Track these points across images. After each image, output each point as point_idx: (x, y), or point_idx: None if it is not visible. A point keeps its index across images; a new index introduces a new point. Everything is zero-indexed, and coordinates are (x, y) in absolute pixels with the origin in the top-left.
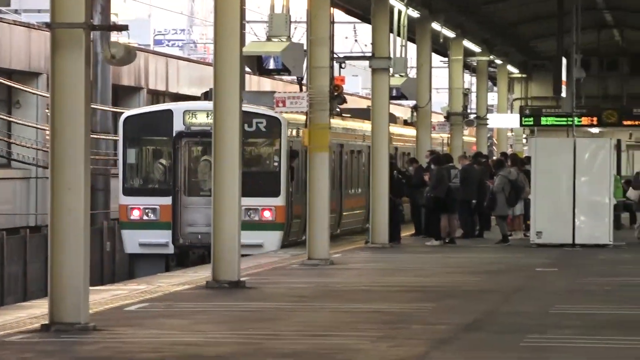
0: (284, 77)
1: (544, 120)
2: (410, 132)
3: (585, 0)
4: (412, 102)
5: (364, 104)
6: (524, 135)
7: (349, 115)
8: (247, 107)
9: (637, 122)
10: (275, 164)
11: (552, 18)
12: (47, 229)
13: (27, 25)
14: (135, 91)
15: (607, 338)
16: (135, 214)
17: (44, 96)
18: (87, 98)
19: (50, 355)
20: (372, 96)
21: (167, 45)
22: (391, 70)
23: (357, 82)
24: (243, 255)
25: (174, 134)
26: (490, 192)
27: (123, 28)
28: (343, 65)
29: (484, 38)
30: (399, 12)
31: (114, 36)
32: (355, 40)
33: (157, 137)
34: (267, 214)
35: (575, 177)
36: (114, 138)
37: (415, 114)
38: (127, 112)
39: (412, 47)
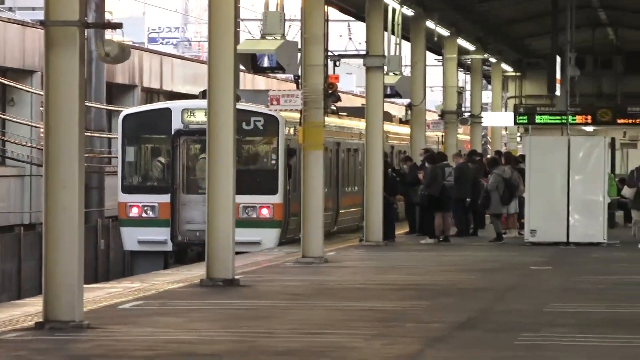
0: (278, 75)
1: (538, 119)
2: (406, 130)
3: None
4: (406, 101)
5: (358, 102)
6: (518, 134)
7: (345, 113)
8: (246, 106)
9: (631, 121)
10: (273, 162)
11: (546, 16)
12: (41, 227)
13: (22, 23)
14: (129, 89)
15: (601, 336)
16: (134, 212)
17: (38, 94)
18: (82, 96)
19: (44, 353)
20: (367, 94)
21: (162, 43)
22: (385, 68)
23: (351, 80)
24: (241, 253)
25: (172, 132)
26: (485, 191)
27: (117, 26)
28: (337, 63)
29: (478, 36)
30: (394, 10)
31: (108, 34)
32: (350, 39)
33: (156, 135)
34: (264, 212)
35: (570, 175)
36: (109, 136)
37: (409, 112)
38: (126, 111)
39: (406, 45)
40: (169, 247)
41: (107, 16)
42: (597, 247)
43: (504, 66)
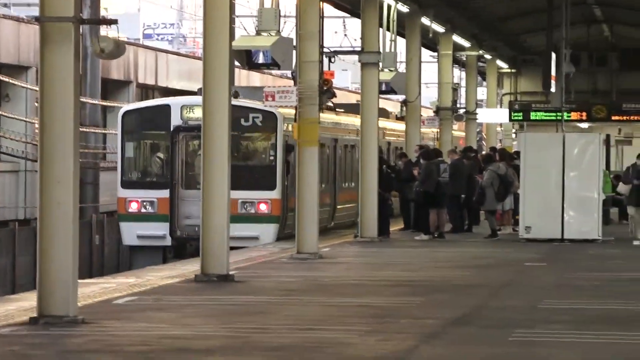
0: (273, 72)
1: (533, 115)
2: (403, 127)
3: None
4: (401, 97)
5: (354, 98)
6: (513, 130)
7: (342, 110)
8: (244, 102)
9: (626, 118)
10: (271, 157)
11: (541, 13)
12: (36, 222)
13: (17, 19)
14: (124, 85)
15: (596, 333)
16: (134, 207)
17: (33, 90)
18: (77, 92)
19: (39, 348)
20: (362, 91)
21: (157, 39)
22: (380, 64)
23: (346, 77)
24: (239, 248)
25: (171, 128)
26: (480, 187)
27: (112, 22)
28: (332, 59)
29: (473, 33)
30: (389, 7)
31: (104, 30)
32: (345, 35)
33: (155, 131)
34: (263, 207)
35: (565, 172)
36: (104, 131)
37: (404, 108)
38: (126, 107)
39: (401, 42)
40: (168, 242)
41: (102, 12)
42: (591, 243)
43: (499, 63)
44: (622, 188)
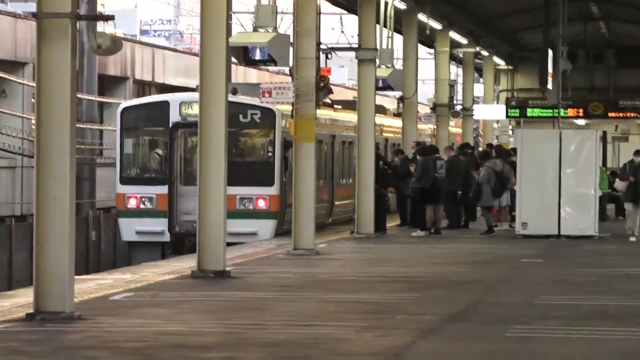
0: (270, 68)
1: (530, 112)
2: (401, 123)
3: None
4: (398, 93)
5: (350, 95)
6: (510, 127)
7: (340, 106)
8: (243, 99)
9: (622, 114)
10: (270, 154)
11: (538, 10)
12: (32, 218)
13: (14, 15)
14: (121, 81)
15: (593, 329)
16: (132, 203)
17: (30, 86)
18: (73, 88)
19: (35, 344)
20: (359, 87)
21: (154, 35)
22: (377, 61)
23: (343, 73)
24: (238, 243)
25: (170, 125)
26: (476, 183)
27: (109, 18)
28: (329, 56)
29: (470, 30)
30: (386, 4)
31: (100, 26)
32: (342, 32)
33: (154, 127)
34: (261, 203)
35: (561, 168)
36: (100, 128)
37: (401, 105)
38: (125, 103)
39: (398, 39)
40: (167, 237)
41: (99, 8)
42: (588, 240)
43: (496, 59)
44: (619, 185)
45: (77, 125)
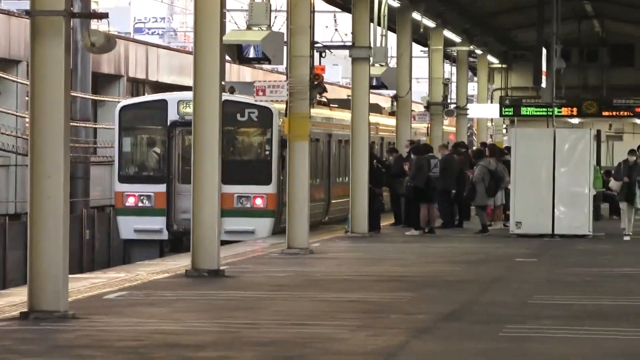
0: (264, 66)
1: (523, 111)
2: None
3: None
4: (392, 92)
5: (344, 93)
6: (504, 126)
7: (336, 105)
8: (240, 98)
9: (616, 113)
10: (267, 152)
11: (532, 8)
12: (26, 217)
13: (7, 13)
14: (115, 79)
15: (587, 328)
16: (131, 201)
17: (23, 84)
18: (67, 86)
19: (29, 343)
20: (352, 86)
21: (148, 33)
22: (371, 59)
23: (337, 72)
24: (233, 242)
25: (168, 123)
26: (470, 182)
27: (103, 16)
28: (323, 54)
29: (464, 28)
30: (380, 2)
31: (94, 24)
32: (336, 30)
33: (152, 126)
34: (258, 202)
35: (555, 167)
36: (94, 126)
37: (395, 103)
38: (123, 102)
39: (392, 37)
40: (165, 235)
41: (93, 6)
42: (582, 239)
43: (490, 58)
44: (614, 184)
45: (70, 123)
